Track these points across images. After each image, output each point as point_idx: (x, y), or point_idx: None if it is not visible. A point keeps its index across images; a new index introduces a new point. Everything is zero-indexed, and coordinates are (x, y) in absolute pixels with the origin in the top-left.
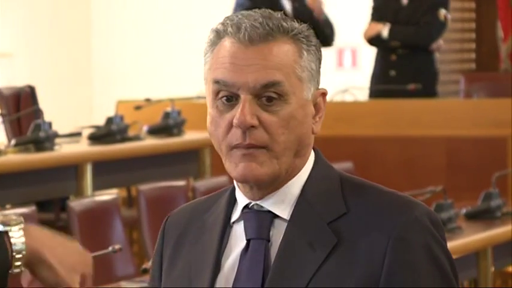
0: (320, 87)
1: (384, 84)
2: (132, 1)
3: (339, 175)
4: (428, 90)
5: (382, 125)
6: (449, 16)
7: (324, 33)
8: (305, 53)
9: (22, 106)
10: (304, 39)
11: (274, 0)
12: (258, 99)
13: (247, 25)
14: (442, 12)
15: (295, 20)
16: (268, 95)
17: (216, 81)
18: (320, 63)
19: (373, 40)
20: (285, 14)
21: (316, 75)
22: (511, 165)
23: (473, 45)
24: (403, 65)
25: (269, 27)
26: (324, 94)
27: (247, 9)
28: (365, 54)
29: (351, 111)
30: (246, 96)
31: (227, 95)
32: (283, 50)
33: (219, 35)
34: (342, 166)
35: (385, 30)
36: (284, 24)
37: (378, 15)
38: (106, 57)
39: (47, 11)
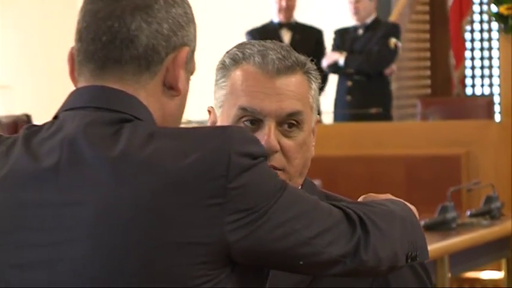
0: None
1: (341, 108)
2: None
3: (323, 192)
4: (384, 113)
5: (347, 146)
6: (400, 44)
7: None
8: (313, 84)
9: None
10: (313, 72)
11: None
12: (279, 126)
13: (274, 57)
14: (393, 41)
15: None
16: (290, 122)
17: (243, 108)
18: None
19: (331, 67)
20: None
21: (318, 104)
22: (465, 181)
23: (428, 72)
24: (358, 90)
25: (292, 60)
26: (318, 121)
27: None
28: (329, 81)
29: (318, 133)
30: (271, 123)
31: (251, 119)
32: (300, 81)
33: (235, 61)
34: None
35: (341, 59)
36: (300, 57)
37: (337, 45)
38: None
39: (41, 43)
